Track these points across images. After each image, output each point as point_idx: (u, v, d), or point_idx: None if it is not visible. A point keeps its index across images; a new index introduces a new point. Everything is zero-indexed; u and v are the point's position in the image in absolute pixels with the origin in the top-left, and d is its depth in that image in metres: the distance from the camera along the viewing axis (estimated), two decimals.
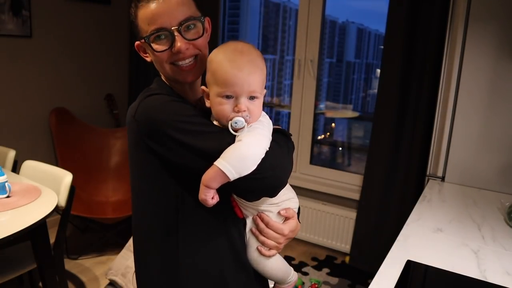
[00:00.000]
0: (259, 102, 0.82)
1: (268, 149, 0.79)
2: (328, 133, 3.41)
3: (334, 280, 2.55)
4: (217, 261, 0.90)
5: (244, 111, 0.78)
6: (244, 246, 0.93)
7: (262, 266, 0.94)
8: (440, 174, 1.93)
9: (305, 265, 2.70)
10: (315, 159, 3.13)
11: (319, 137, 3.26)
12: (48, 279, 1.83)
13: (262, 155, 0.78)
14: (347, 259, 2.75)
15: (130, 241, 2.37)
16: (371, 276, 2.35)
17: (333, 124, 3.37)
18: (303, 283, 2.48)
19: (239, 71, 0.78)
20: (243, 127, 0.78)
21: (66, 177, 1.94)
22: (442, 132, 1.91)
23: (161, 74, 0.94)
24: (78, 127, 3.03)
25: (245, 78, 0.78)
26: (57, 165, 2.52)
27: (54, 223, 2.06)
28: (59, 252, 1.97)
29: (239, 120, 0.77)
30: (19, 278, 2.11)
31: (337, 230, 2.80)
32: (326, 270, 2.66)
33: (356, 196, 2.70)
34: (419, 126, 2.31)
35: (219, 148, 0.77)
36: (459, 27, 1.78)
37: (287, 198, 0.93)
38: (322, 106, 3.19)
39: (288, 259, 2.73)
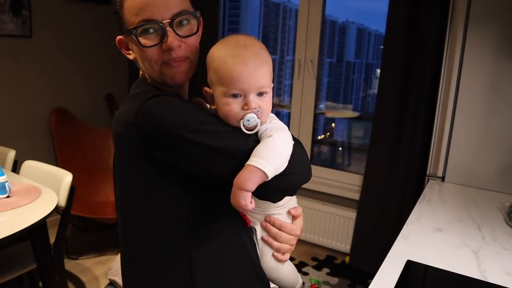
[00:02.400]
0: (268, 97, 0.76)
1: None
2: (328, 133, 3.41)
3: (334, 280, 2.55)
4: (236, 275, 0.84)
5: (255, 108, 0.73)
6: (257, 255, 0.88)
7: (278, 272, 0.90)
8: (440, 174, 1.93)
9: (305, 265, 2.70)
10: (315, 159, 3.13)
11: (319, 137, 3.26)
12: (48, 279, 1.82)
13: (291, 151, 0.73)
14: (347, 259, 2.75)
15: None
16: (371, 276, 2.35)
17: (333, 124, 3.37)
18: (303, 283, 2.48)
19: (244, 67, 0.72)
20: (256, 124, 0.73)
21: (66, 177, 1.93)
22: (442, 132, 1.90)
23: (146, 76, 0.84)
24: (78, 127, 3.03)
25: (251, 74, 0.72)
26: (57, 165, 2.52)
27: (54, 223, 2.06)
28: (59, 252, 1.97)
29: (251, 117, 0.72)
30: (19, 278, 2.11)
31: (337, 230, 2.80)
32: (326, 270, 2.66)
33: (356, 196, 2.70)
34: (419, 126, 2.31)
35: (245, 146, 0.71)
36: (459, 27, 1.77)
37: (289, 198, 0.89)
38: (322, 106, 3.18)
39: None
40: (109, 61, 3.28)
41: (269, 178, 0.69)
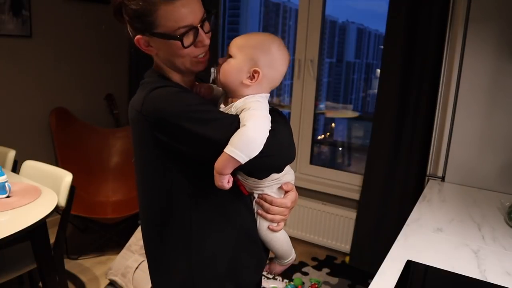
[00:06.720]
0: (233, 60, 0.89)
1: (270, 129, 0.84)
2: (328, 133, 3.41)
3: (334, 280, 2.55)
4: (230, 238, 0.97)
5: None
6: (253, 220, 1.00)
7: (275, 240, 1.03)
8: (440, 174, 1.93)
9: (305, 265, 2.70)
10: (315, 159, 3.13)
11: (319, 137, 3.27)
12: (48, 279, 1.82)
13: (266, 135, 0.82)
14: (347, 259, 2.75)
15: (130, 241, 2.37)
16: (371, 276, 2.35)
17: (333, 124, 3.37)
18: (303, 283, 2.48)
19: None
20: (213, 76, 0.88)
21: (66, 177, 1.94)
22: (442, 132, 1.91)
23: (160, 67, 0.95)
24: (78, 127, 3.03)
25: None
26: (57, 165, 2.52)
27: (54, 223, 2.06)
28: (59, 252, 1.97)
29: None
30: (19, 278, 2.11)
31: (337, 230, 2.80)
32: (326, 270, 2.66)
33: (356, 196, 2.70)
34: (419, 126, 2.31)
35: (228, 135, 0.81)
36: (459, 27, 1.77)
37: (285, 172, 0.99)
38: (322, 106, 3.19)
39: None
40: (109, 61, 3.28)
41: (242, 163, 0.81)
